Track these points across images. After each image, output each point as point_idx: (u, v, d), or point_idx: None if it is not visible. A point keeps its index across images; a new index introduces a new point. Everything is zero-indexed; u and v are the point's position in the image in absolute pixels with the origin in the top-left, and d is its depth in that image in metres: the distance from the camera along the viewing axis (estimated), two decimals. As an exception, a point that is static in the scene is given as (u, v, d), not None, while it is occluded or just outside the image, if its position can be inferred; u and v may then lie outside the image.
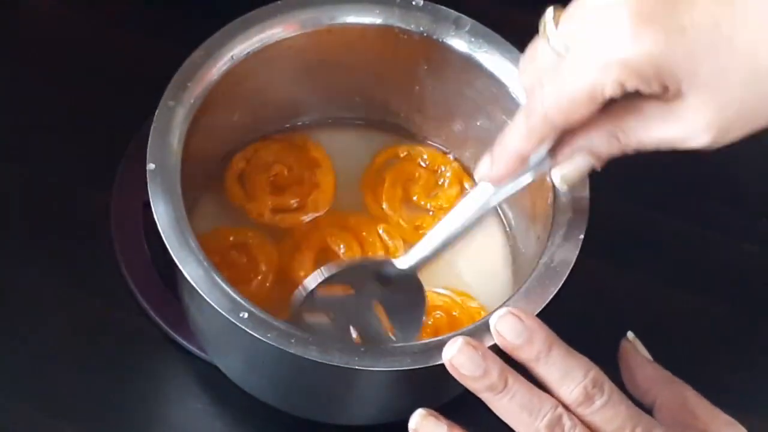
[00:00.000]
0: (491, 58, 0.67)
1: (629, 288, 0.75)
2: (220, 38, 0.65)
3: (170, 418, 0.70)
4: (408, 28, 0.68)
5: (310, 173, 0.72)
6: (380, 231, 0.70)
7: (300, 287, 0.62)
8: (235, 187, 0.71)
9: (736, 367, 0.73)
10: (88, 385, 0.69)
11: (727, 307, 0.75)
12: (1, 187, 0.75)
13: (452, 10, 0.68)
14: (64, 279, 0.72)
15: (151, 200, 0.59)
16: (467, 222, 0.61)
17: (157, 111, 0.62)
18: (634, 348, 0.59)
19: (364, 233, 0.70)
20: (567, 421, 0.52)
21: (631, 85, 0.51)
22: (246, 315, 0.56)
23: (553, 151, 0.57)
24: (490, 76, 0.67)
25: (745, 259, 0.77)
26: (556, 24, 0.53)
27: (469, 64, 0.67)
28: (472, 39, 0.67)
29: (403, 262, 0.62)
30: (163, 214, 0.59)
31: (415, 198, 0.72)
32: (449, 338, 0.54)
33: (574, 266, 0.60)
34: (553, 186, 0.62)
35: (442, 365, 0.54)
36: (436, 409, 0.55)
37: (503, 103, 0.67)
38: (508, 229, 0.72)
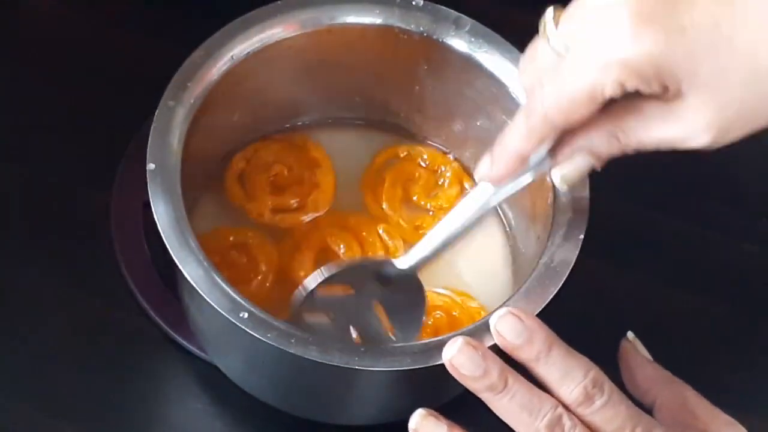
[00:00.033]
0: (491, 58, 0.67)
1: (629, 288, 0.75)
2: (220, 38, 0.65)
3: (170, 418, 0.70)
4: (408, 28, 0.68)
5: (310, 173, 0.72)
6: (380, 231, 0.70)
7: (300, 287, 0.62)
8: (235, 187, 0.71)
9: (736, 367, 0.73)
10: (88, 385, 0.69)
11: (727, 307, 0.75)
12: (1, 187, 0.75)
13: (452, 10, 0.68)
14: (64, 279, 0.72)
15: (151, 200, 0.59)
16: (467, 222, 0.61)
17: (157, 111, 0.62)
18: (634, 348, 0.59)
19: (364, 233, 0.70)
20: (567, 421, 0.52)
21: (631, 85, 0.51)
22: (246, 315, 0.56)
23: (553, 151, 0.57)
24: (490, 76, 0.67)
25: (745, 259, 0.77)
26: (556, 24, 0.53)
27: (469, 64, 0.67)
28: (472, 39, 0.67)
29: (403, 262, 0.62)
30: (163, 214, 0.59)
31: (415, 198, 0.72)
32: (449, 338, 0.54)
33: (574, 266, 0.60)
34: (553, 186, 0.62)
35: (442, 365, 0.54)
36: (436, 409, 0.55)
37: (503, 103, 0.67)
38: (508, 229, 0.72)
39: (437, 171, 0.73)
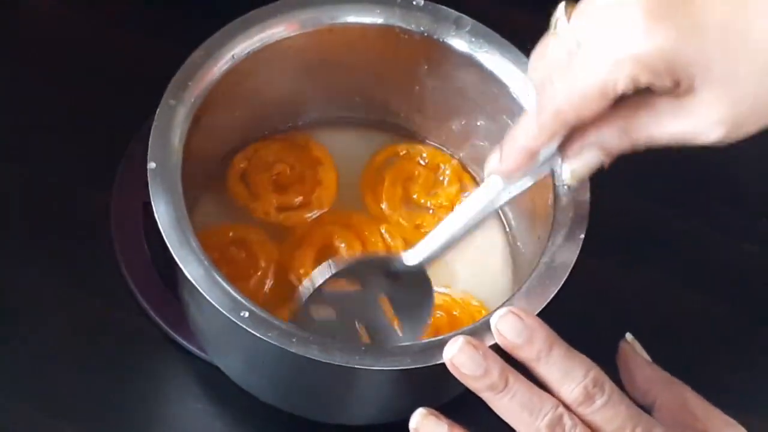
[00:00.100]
0: (491, 58, 0.67)
1: (629, 288, 0.75)
2: (220, 38, 0.65)
3: (170, 418, 0.70)
4: (408, 28, 0.68)
5: (312, 171, 0.72)
6: (382, 230, 0.70)
7: (307, 281, 0.61)
8: (238, 186, 0.71)
9: (736, 367, 0.73)
10: (88, 385, 0.69)
11: (727, 307, 0.75)
12: (1, 187, 0.75)
13: (453, 10, 0.68)
14: (64, 279, 0.72)
15: (151, 200, 0.59)
16: (476, 217, 0.60)
17: (158, 110, 0.62)
18: (632, 349, 0.59)
19: (366, 232, 0.70)
20: (567, 421, 0.52)
21: (644, 80, 0.51)
22: (246, 314, 0.56)
23: (563, 147, 0.57)
24: (490, 76, 0.67)
25: (745, 259, 0.77)
26: (568, 19, 0.53)
27: (469, 64, 0.67)
28: (473, 39, 0.67)
29: (411, 258, 0.62)
30: (163, 213, 0.59)
31: (415, 196, 0.72)
32: (450, 338, 0.54)
33: (574, 266, 0.60)
34: (554, 186, 0.62)
35: (443, 365, 0.54)
36: (436, 409, 0.55)
37: (503, 103, 0.67)
38: (508, 229, 0.72)
39: (437, 169, 0.73)
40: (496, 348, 0.54)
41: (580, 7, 0.53)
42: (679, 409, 0.56)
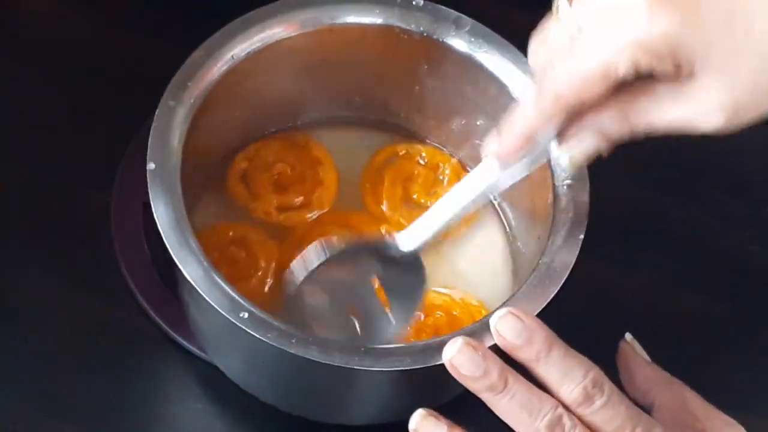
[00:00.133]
0: (491, 58, 0.67)
1: (629, 288, 0.75)
2: (220, 38, 0.65)
3: (170, 418, 0.70)
4: (408, 28, 0.68)
5: (313, 171, 0.72)
6: (382, 230, 0.70)
7: (297, 261, 0.61)
8: (238, 186, 0.71)
9: (736, 367, 0.73)
10: (88, 385, 0.69)
11: (727, 307, 0.75)
12: (1, 187, 0.75)
13: (452, 10, 0.68)
14: (64, 279, 0.72)
15: (151, 200, 0.59)
16: (471, 202, 0.60)
17: (157, 111, 0.62)
18: (632, 349, 0.59)
19: (366, 232, 0.70)
20: (567, 421, 0.52)
21: (645, 64, 0.50)
22: (246, 315, 0.56)
23: (562, 134, 0.56)
24: (490, 76, 0.67)
25: (746, 259, 0.77)
26: (570, 4, 0.53)
27: (469, 64, 0.67)
28: (472, 39, 0.67)
29: (405, 243, 0.61)
30: (163, 214, 0.59)
31: (415, 196, 0.72)
32: (449, 338, 0.54)
33: (574, 266, 0.60)
34: (554, 186, 0.62)
35: (442, 365, 0.54)
36: (436, 409, 0.55)
37: (503, 103, 0.67)
38: (508, 229, 0.72)
39: (436, 169, 0.73)
40: (496, 348, 0.54)
41: None
42: (679, 409, 0.56)
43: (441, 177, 0.73)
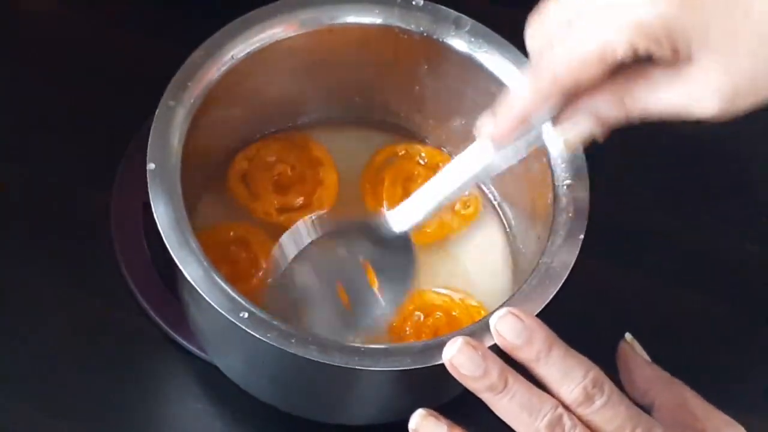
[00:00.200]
0: (491, 58, 0.67)
1: (629, 288, 0.75)
2: (220, 38, 0.65)
3: (170, 418, 0.70)
4: (408, 28, 0.68)
5: (313, 171, 0.72)
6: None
7: (286, 236, 0.60)
8: (239, 186, 0.71)
9: (736, 367, 0.73)
10: (88, 385, 0.69)
11: (727, 307, 0.75)
12: (1, 188, 0.75)
13: (452, 10, 0.68)
14: (64, 279, 0.72)
15: (151, 200, 0.59)
16: (463, 183, 0.59)
17: (157, 111, 0.62)
18: (632, 349, 0.59)
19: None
20: (567, 421, 0.52)
21: (643, 47, 0.50)
22: (246, 315, 0.56)
23: (557, 117, 0.56)
24: (490, 76, 0.67)
25: (745, 259, 0.77)
26: None
27: (469, 64, 0.67)
28: (472, 39, 0.67)
29: (397, 224, 0.61)
30: (163, 214, 0.59)
31: (415, 196, 0.72)
32: (449, 338, 0.54)
33: (574, 266, 0.60)
34: (554, 186, 0.62)
35: (442, 365, 0.54)
36: (436, 409, 0.55)
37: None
38: (508, 229, 0.72)
39: (436, 169, 0.73)
40: (496, 349, 0.54)
41: None
42: (679, 409, 0.56)
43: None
